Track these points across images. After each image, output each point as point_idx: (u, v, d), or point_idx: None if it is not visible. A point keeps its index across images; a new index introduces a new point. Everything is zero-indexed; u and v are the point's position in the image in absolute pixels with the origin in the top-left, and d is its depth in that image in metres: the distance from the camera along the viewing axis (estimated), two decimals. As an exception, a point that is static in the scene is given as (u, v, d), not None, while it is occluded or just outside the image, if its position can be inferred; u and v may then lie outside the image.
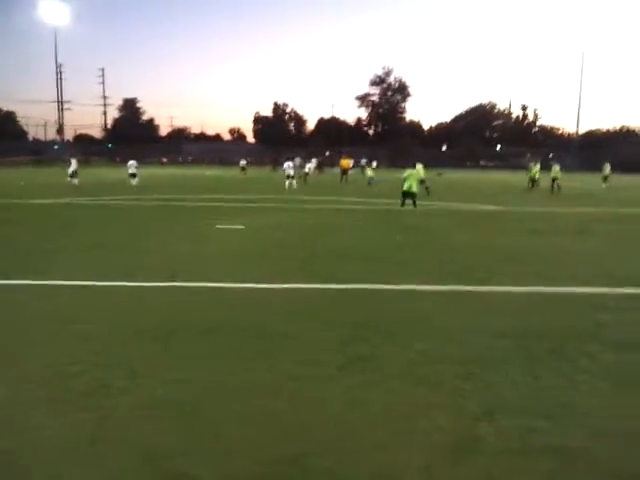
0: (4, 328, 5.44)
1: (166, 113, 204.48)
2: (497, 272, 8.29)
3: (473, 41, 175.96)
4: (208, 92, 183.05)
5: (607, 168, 35.28)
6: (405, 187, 17.26)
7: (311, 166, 38.26)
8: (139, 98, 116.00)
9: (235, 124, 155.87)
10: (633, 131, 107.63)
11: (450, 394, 4.03)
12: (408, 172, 17.32)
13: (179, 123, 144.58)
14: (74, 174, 29.14)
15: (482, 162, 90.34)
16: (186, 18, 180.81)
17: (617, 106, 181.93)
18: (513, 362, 4.67)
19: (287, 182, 28.30)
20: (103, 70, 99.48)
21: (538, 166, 32.16)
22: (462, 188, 32.80)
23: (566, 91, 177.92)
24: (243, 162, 48.78)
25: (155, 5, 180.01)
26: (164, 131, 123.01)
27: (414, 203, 17.31)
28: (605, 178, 35.04)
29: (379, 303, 6.54)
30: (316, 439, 3.35)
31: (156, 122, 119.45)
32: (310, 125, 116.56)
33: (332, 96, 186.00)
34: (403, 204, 17.41)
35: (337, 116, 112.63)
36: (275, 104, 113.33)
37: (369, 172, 35.41)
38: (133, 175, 28.72)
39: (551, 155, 50.27)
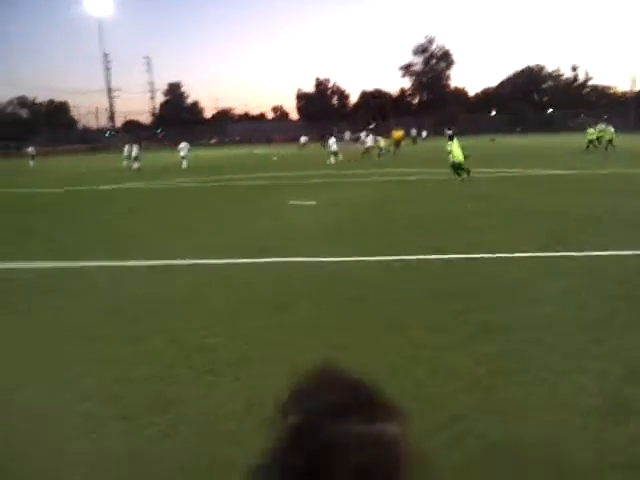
0: (141, 306, 5.74)
1: (211, 95, 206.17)
2: (586, 236, 8.14)
3: (515, 2, 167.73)
4: (250, 72, 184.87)
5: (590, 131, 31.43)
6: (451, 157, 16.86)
7: (369, 140, 36.43)
8: (183, 82, 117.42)
9: (278, 102, 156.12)
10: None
11: (586, 358, 4.06)
12: (450, 144, 16.83)
13: (224, 104, 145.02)
14: (136, 158, 30.04)
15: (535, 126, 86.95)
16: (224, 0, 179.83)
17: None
18: (638, 325, 4.66)
19: (331, 158, 28.17)
20: (148, 58, 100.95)
21: (601, 126, 30.40)
22: (518, 153, 31.65)
23: (617, 48, 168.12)
24: (304, 139, 48.86)
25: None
26: (209, 113, 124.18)
27: (466, 171, 16.81)
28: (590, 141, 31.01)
29: (477, 272, 6.56)
30: (467, 404, 3.46)
31: (201, 105, 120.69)
32: (353, 99, 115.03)
33: (375, 68, 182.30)
34: (459, 174, 16.91)
35: (380, 88, 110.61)
36: (317, 80, 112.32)
37: (382, 142, 32.78)
38: (183, 157, 29.23)
39: (605, 117, 47.87)
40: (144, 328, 4.99)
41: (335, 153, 28.23)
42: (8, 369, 4.27)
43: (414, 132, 51.72)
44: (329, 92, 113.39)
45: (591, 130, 30.13)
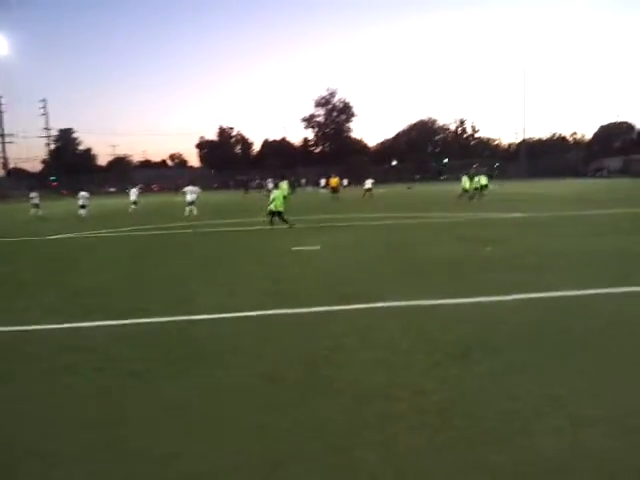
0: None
1: (107, 142, 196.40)
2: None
3: (410, 61, 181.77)
4: (150, 119, 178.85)
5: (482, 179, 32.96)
6: (272, 206, 17.33)
7: (369, 183, 37.93)
8: (78, 128, 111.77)
9: (178, 150, 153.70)
10: (564, 138, 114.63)
11: None
12: (275, 193, 17.58)
13: (121, 152, 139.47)
14: (37, 205, 29.97)
15: (442, 176, 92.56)
16: (124, 47, 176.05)
17: (549, 115, 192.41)
18: None
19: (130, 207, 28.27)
20: (45, 101, 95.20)
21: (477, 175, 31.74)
22: (448, 199, 32.87)
23: (500, 104, 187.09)
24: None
25: (93, 33, 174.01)
26: (104, 160, 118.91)
27: (284, 221, 17.26)
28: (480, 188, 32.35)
29: (570, 309, 6.29)
30: None
31: (94, 151, 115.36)
32: (257, 147, 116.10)
33: (277, 119, 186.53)
34: (272, 222, 17.40)
35: (284, 137, 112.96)
36: (220, 128, 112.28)
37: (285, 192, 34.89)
38: (83, 207, 27.75)
39: (475, 165, 52.83)
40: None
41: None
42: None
43: (345, 182, 53.92)
44: (232, 140, 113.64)
45: (464, 179, 30.81)
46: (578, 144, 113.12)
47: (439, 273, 8.75)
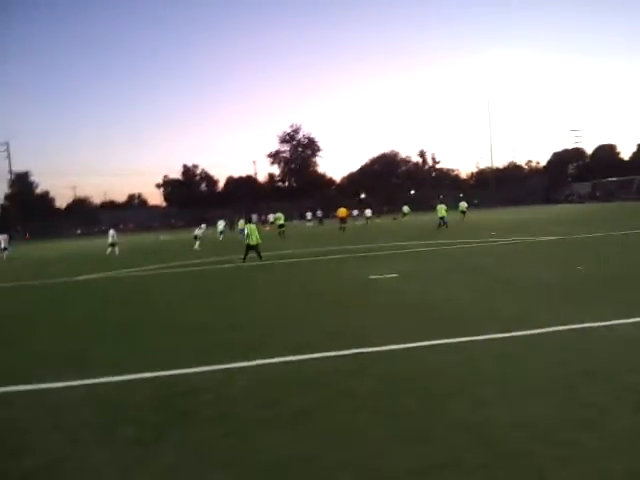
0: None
1: (67, 184, 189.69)
2: None
3: (370, 95, 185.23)
4: (110, 159, 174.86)
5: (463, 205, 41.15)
6: (248, 241, 17.70)
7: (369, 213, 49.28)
8: (35, 171, 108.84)
9: (140, 190, 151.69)
10: (520, 166, 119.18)
11: None
12: (249, 227, 17.98)
13: (82, 193, 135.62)
14: (5, 249, 31.52)
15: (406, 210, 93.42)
16: (85, 84, 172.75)
17: (503, 145, 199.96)
18: None
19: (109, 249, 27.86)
20: (8, 144, 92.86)
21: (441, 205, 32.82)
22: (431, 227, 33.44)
23: (457, 136, 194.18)
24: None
25: (49, 73, 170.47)
26: (63, 202, 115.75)
27: (259, 255, 17.81)
28: (462, 212, 40.31)
29: None
30: None
31: (52, 194, 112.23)
32: (223, 184, 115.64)
33: (243, 156, 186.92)
34: (245, 259, 17.72)
35: (249, 174, 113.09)
36: (184, 166, 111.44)
37: (240, 225, 36.45)
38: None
39: (441, 196, 55.39)
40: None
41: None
42: None
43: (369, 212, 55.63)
44: (197, 178, 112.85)
45: (440, 206, 32.11)
46: (533, 171, 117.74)
47: (564, 298, 8.60)
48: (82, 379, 5.67)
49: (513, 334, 6.33)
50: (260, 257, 17.77)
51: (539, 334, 6.28)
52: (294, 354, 6.07)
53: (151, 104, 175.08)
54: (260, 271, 15.73)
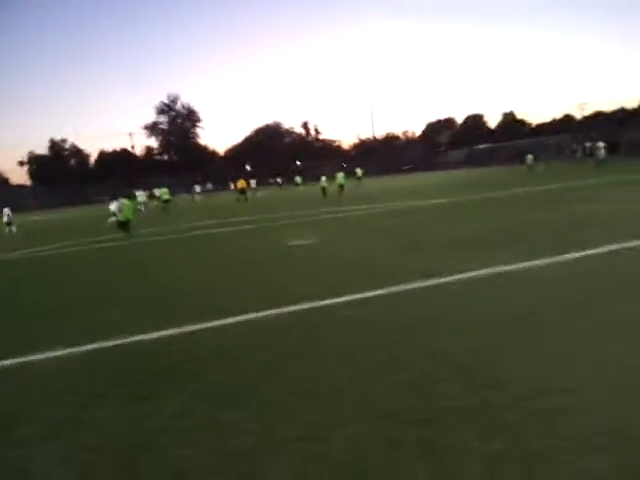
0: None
1: None
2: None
3: (252, 65, 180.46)
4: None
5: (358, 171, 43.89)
6: (121, 217, 17.14)
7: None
8: None
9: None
10: (397, 137, 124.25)
11: None
12: (124, 203, 17.34)
13: None
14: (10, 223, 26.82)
15: (299, 179, 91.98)
16: None
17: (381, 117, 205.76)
18: None
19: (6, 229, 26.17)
20: None
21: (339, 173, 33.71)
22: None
23: (338, 107, 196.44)
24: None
25: None
26: None
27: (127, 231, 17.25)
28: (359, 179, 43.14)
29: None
30: None
31: None
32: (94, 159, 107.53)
33: (119, 128, 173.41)
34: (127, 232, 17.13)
35: (125, 147, 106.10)
36: (52, 140, 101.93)
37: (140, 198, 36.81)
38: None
39: (344, 165, 57.28)
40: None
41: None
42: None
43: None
44: (67, 154, 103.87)
45: (323, 179, 32.88)
46: (410, 140, 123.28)
47: (468, 248, 8.64)
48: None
49: (432, 282, 6.48)
50: (129, 235, 16.80)
51: (454, 280, 6.46)
52: (234, 316, 5.76)
53: (4, 72, 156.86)
54: (170, 246, 14.48)
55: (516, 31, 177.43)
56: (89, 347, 5.15)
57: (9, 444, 3.34)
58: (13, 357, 5.06)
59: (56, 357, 4.99)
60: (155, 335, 5.34)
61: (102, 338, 5.35)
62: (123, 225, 17.13)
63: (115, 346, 5.13)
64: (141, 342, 5.20)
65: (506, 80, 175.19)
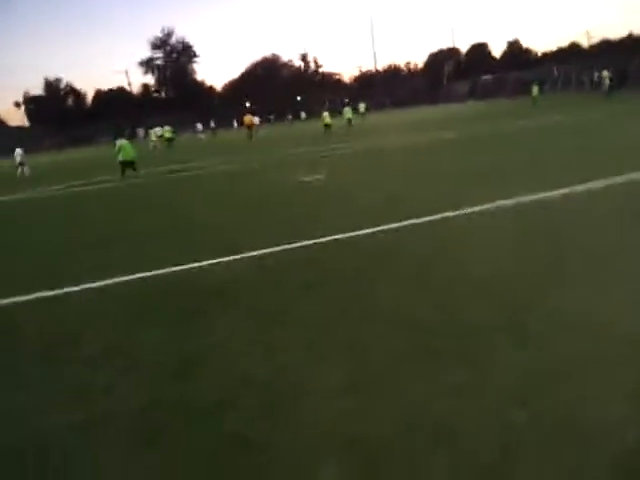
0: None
1: None
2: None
3: None
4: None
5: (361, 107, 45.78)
6: (122, 157, 17.13)
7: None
8: None
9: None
10: (399, 68, 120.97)
11: None
12: (120, 143, 17.22)
13: None
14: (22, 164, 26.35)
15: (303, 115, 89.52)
16: None
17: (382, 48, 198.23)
18: None
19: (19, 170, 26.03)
20: None
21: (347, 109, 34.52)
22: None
23: (338, 38, 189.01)
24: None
25: None
26: None
27: (135, 170, 17.35)
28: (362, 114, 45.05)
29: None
30: None
31: None
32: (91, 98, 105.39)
33: (113, 65, 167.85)
34: (123, 174, 17.17)
35: (121, 86, 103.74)
36: (46, 80, 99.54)
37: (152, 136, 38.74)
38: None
39: (347, 100, 56.50)
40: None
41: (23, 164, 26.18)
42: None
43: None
44: (62, 93, 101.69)
45: (325, 114, 31.77)
46: (413, 72, 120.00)
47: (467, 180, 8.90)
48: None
49: (459, 212, 6.63)
50: (137, 174, 17.06)
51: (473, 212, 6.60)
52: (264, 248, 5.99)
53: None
54: (189, 183, 14.72)
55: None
56: (137, 276, 5.47)
57: (76, 360, 3.67)
58: (73, 285, 5.39)
59: (111, 284, 5.31)
60: (195, 265, 5.64)
61: (146, 268, 5.64)
62: (129, 165, 17.17)
63: (162, 274, 5.45)
64: (188, 270, 5.52)
65: (510, 5, 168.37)
